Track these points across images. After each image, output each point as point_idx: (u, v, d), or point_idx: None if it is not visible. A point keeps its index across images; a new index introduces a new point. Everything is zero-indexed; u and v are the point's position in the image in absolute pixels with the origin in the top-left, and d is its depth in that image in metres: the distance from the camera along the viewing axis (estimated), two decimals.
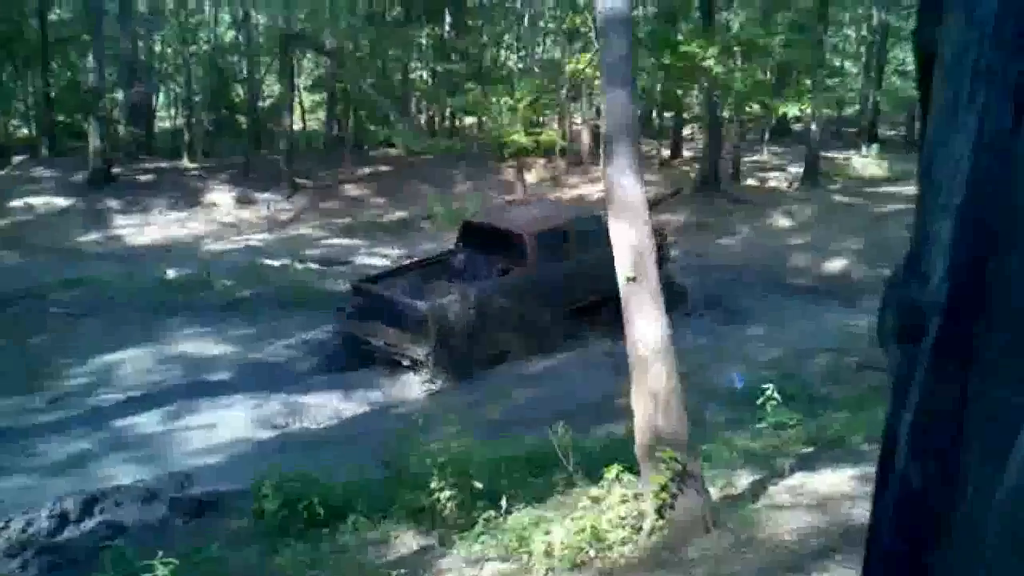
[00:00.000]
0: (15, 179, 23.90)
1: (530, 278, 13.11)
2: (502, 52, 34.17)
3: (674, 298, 11.84)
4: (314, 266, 18.56)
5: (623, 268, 5.92)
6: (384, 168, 27.50)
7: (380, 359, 12.51)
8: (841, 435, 8.16)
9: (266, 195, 24.25)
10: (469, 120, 32.34)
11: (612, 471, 6.22)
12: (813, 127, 25.09)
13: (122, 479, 8.75)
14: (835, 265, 18.13)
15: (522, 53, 33.48)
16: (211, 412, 10.98)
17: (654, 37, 23.52)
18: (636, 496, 5.98)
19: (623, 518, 5.88)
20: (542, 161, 27.06)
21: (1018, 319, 1.20)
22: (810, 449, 7.78)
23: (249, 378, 12.05)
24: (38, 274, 16.79)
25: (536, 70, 29.28)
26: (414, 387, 11.98)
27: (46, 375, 12.20)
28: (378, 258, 19.24)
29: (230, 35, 32.97)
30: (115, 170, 24.48)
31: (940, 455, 1.31)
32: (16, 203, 22.46)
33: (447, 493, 6.81)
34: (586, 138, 28.01)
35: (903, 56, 32.12)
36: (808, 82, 26.20)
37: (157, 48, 31.13)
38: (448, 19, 30.80)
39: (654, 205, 15.45)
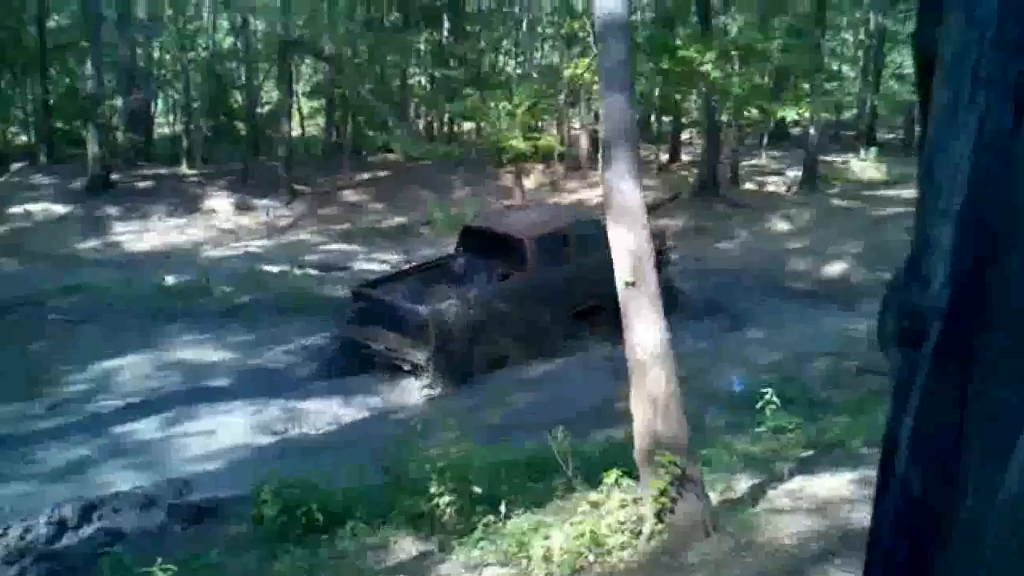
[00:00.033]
0: (14, 186, 23.89)
1: (530, 282, 13.12)
2: (500, 57, 34.22)
3: (673, 302, 11.86)
4: (313, 272, 18.54)
5: (622, 273, 5.92)
6: (383, 174, 27.52)
7: (380, 364, 12.51)
8: (840, 439, 8.15)
9: (265, 201, 24.24)
10: (468, 125, 32.39)
11: (611, 476, 6.21)
12: (811, 131, 25.11)
13: (121, 485, 8.74)
14: (834, 269, 18.12)
15: (520, 58, 33.53)
16: (210, 418, 10.97)
17: (652, 42, 23.53)
18: (635, 501, 5.97)
19: (622, 523, 5.87)
20: (540, 166, 27.08)
21: (1019, 319, 1.20)
22: (809, 453, 7.77)
23: (248, 384, 12.04)
24: (37, 281, 16.78)
25: (534, 75, 29.30)
26: (413, 392, 11.97)
27: (45, 382, 12.19)
28: (377, 264, 19.24)
29: (229, 41, 33.02)
30: (114, 177, 24.49)
31: (941, 457, 1.30)
32: (15, 210, 22.45)
33: (446, 498, 6.80)
34: (584, 143, 28.03)
35: (900, 60, 32.16)
36: (806, 86, 26.23)
37: (156, 54, 31.13)
38: (446, 24, 30.83)
39: (653, 209, 15.46)
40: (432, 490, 6.84)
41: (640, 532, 5.78)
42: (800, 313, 15.22)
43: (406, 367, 12.20)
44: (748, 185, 25.72)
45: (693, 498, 5.81)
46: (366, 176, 27.26)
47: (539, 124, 27.02)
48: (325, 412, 11.26)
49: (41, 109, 27.10)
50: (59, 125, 27.88)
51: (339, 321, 13.34)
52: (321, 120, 32.48)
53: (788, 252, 19.35)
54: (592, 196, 23.23)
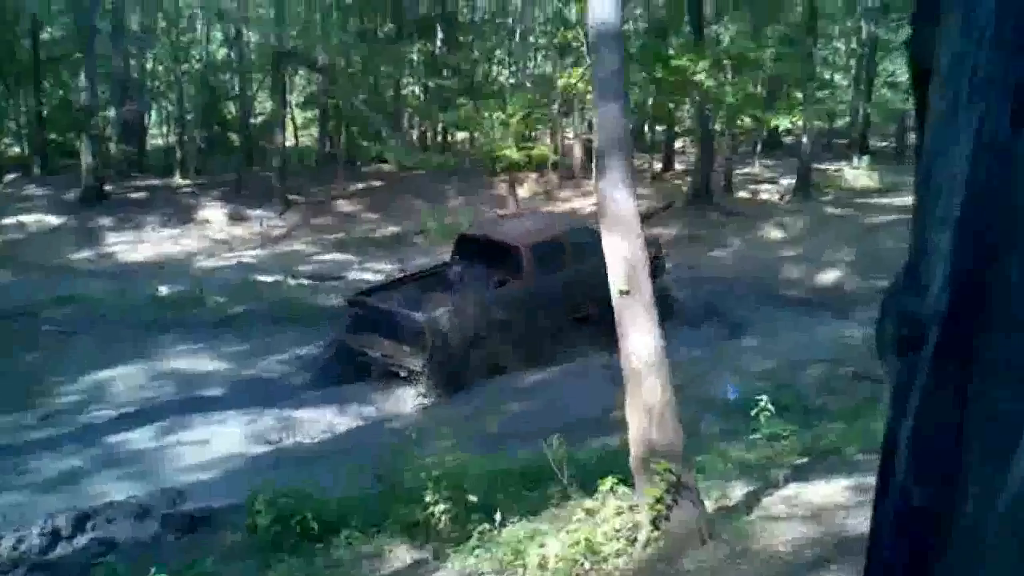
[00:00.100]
0: (7, 197, 23.86)
1: (526, 290, 13.13)
2: (494, 67, 34.26)
3: (668, 310, 11.86)
4: (307, 282, 18.53)
5: (616, 281, 5.93)
6: (376, 183, 27.53)
7: (376, 371, 12.49)
8: (836, 446, 8.16)
9: (259, 211, 24.25)
10: (461, 135, 32.40)
11: (607, 483, 6.20)
12: (804, 139, 25.18)
13: (114, 495, 8.70)
14: (828, 276, 18.15)
15: (514, 68, 33.61)
16: (204, 428, 10.93)
17: (645, 52, 23.63)
18: (631, 508, 5.96)
19: (618, 530, 5.86)
20: (534, 175, 27.11)
21: (1019, 320, 1.20)
22: (804, 460, 7.77)
23: (242, 394, 12.02)
24: (30, 292, 16.72)
25: (528, 85, 29.35)
26: (408, 401, 11.95)
27: (38, 392, 12.14)
28: (371, 273, 19.22)
29: (222, 53, 33.04)
30: (107, 188, 24.49)
31: (941, 459, 1.30)
32: (8, 221, 22.40)
33: (441, 507, 6.79)
34: (578, 152, 28.08)
35: (893, 68, 32.29)
36: (799, 95, 26.29)
37: (149, 66, 31.11)
38: (440, 35, 30.87)
39: (647, 218, 15.50)
40: (427, 498, 6.83)
41: (636, 540, 5.77)
42: (794, 320, 15.23)
43: (402, 374, 12.18)
44: (741, 193, 25.77)
45: (689, 505, 5.80)
46: (360, 186, 27.28)
47: (533, 134, 27.10)
48: (319, 421, 11.23)
49: (35, 121, 27.11)
50: (53, 136, 27.88)
51: (334, 329, 13.32)
52: (315, 130, 32.51)
53: (782, 260, 19.38)
54: (586, 205, 23.27)
